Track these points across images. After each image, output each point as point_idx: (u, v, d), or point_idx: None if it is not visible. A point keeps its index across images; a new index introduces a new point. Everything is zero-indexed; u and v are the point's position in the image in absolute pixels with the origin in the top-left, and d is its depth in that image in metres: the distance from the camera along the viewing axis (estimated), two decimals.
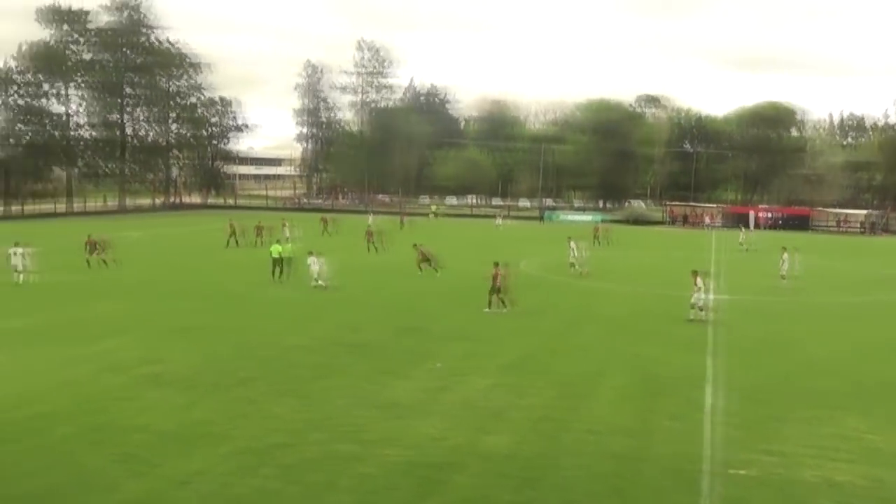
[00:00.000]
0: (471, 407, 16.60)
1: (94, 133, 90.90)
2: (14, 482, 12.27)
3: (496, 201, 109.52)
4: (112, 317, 25.91)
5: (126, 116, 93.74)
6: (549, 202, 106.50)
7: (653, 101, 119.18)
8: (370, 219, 62.35)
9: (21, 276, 32.33)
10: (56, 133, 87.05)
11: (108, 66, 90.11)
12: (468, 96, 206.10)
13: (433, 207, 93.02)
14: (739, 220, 76.86)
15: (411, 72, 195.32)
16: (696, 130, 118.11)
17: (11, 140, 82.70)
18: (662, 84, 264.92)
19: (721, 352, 22.50)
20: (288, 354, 20.91)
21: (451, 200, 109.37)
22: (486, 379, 18.87)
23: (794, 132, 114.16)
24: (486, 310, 27.48)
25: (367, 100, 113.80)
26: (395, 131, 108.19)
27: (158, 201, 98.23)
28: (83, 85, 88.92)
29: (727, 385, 18.80)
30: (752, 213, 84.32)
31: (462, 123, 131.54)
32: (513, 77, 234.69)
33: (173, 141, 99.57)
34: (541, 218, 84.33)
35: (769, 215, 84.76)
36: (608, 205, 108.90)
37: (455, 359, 20.81)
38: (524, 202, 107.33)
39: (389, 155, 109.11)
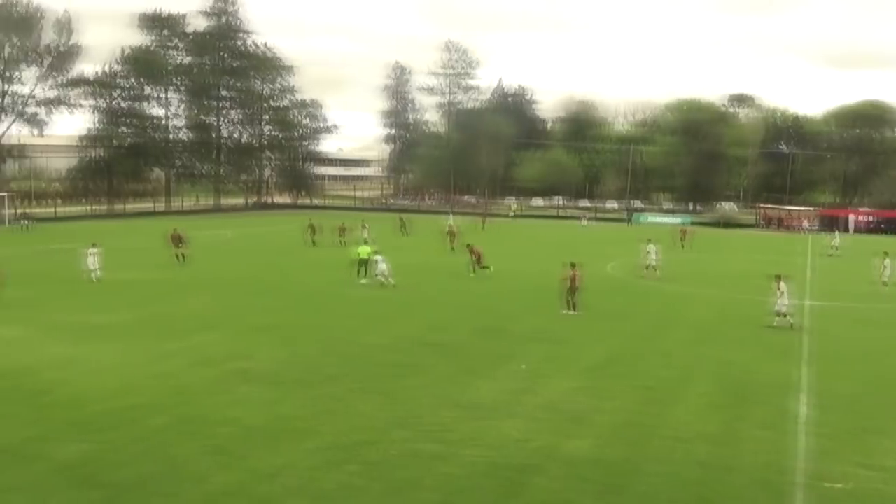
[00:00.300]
0: (553, 409, 16.43)
1: (190, 135, 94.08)
2: (110, 470, 12.75)
3: (582, 203, 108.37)
4: (203, 313, 26.71)
5: (220, 118, 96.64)
6: (636, 204, 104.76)
7: (744, 100, 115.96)
8: (450, 219, 62.05)
9: (94, 274, 33.43)
10: (155, 135, 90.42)
11: (204, 70, 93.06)
12: (554, 97, 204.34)
13: (512, 207, 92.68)
14: (835, 224, 73.96)
15: (497, 72, 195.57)
16: (791, 131, 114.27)
17: (114, 141, 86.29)
18: (754, 83, 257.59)
19: (814, 359, 21.65)
20: (371, 353, 21.13)
21: (537, 202, 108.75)
22: (569, 382, 18.65)
23: None
24: (564, 311, 27.19)
25: (453, 101, 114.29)
26: (480, 132, 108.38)
27: (250, 201, 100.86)
28: (181, 88, 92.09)
29: (820, 394, 18.07)
30: (851, 217, 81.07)
31: (548, 124, 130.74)
32: (599, 77, 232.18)
33: (265, 142, 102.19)
34: (628, 220, 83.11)
35: (868, 218, 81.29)
36: (697, 207, 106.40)
37: (537, 360, 20.65)
38: (611, 204, 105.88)
39: (475, 156, 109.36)
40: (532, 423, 15.46)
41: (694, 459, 13.79)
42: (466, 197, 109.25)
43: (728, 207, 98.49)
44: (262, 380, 18.16)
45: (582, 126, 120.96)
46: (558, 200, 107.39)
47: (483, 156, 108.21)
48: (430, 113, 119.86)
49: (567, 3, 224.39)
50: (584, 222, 73.94)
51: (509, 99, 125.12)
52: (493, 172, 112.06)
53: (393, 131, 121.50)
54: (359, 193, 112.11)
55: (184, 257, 39.32)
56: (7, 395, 16.68)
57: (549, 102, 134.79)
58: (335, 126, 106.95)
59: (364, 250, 35.49)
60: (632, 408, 16.74)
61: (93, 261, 33.77)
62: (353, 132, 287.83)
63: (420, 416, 15.77)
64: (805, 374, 19.94)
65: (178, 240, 40.10)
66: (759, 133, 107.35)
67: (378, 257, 33.30)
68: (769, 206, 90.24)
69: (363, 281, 33.17)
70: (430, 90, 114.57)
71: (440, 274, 37.42)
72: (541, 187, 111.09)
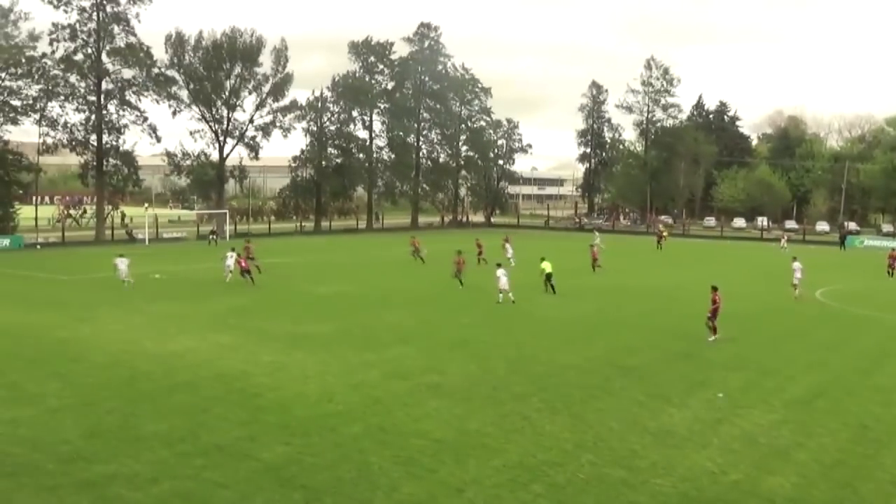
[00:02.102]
0: (752, 442, 15.53)
1: (391, 155, 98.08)
2: (310, 473, 13.48)
3: (789, 224, 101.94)
4: (399, 326, 27.68)
5: (420, 139, 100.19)
6: (851, 226, 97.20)
7: None
8: (596, 237, 59.50)
9: (126, 283, 37.01)
10: (360, 156, 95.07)
11: (406, 93, 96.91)
12: (759, 112, 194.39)
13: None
14: None
15: (698, 88, 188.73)
16: None
17: (322, 162, 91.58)
18: None
19: None
20: (560, 373, 20.97)
21: (739, 222, 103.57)
22: (770, 414, 17.56)
23: None
24: (710, 338, 25.59)
25: (651, 118, 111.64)
26: (678, 150, 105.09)
27: (446, 219, 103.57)
28: (384, 111, 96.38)
29: None
30: None
31: (752, 141, 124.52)
32: (810, 90, 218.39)
33: (462, 162, 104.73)
34: (841, 243, 77.21)
35: None
36: None
37: (735, 389, 19.61)
38: (821, 226, 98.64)
39: (673, 175, 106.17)
40: (728, 456, 14.69)
41: None
42: (663, 217, 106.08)
43: None
44: (453, 394, 18.51)
45: (790, 143, 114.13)
46: (762, 222, 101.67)
47: (681, 174, 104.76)
48: (627, 131, 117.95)
49: (778, 14, 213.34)
50: (784, 244, 69.36)
51: (710, 115, 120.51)
52: (693, 192, 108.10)
53: (588, 150, 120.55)
54: (553, 213, 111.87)
55: (422, 260, 47.84)
56: (223, 397, 18.09)
57: (754, 118, 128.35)
58: (530, 146, 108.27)
59: (548, 265, 36.46)
60: (841, 446, 15.50)
61: (124, 268, 37.54)
62: (549, 151, 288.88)
63: (608, 440, 15.45)
64: None
65: (417, 248, 48.77)
66: None
67: (500, 271, 33.85)
68: None
69: (499, 298, 33.27)
70: (628, 108, 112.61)
71: (625, 295, 36.56)
72: (743, 208, 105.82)
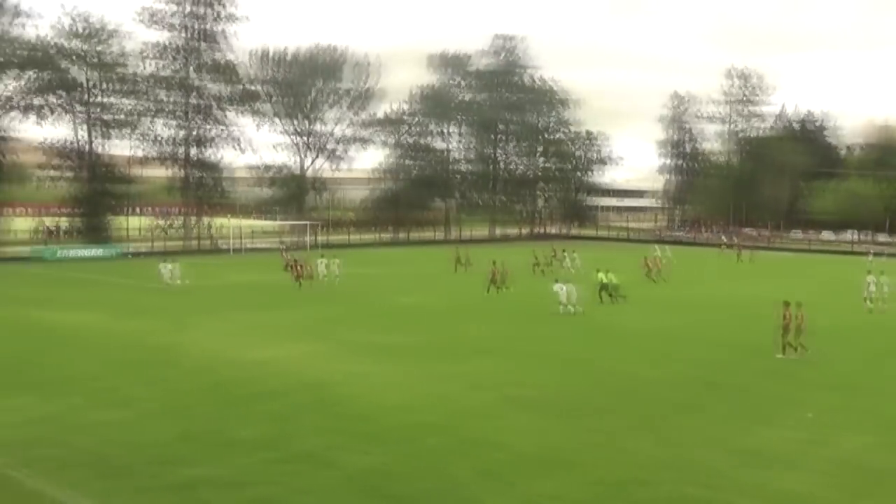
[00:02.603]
0: (846, 465, 15.06)
1: (469, 167, 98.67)
2: (393, 483, 13.70)
3: (881, 238, 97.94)
4: (480, 338, 27.83)
5: (499, 151, 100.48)
6: None
7: None
8: (656, 250, 59.25)
9: (170, 283, 41.72)
10: (439, 168, 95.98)
11: (484, 106, 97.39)
12: (851, 122, 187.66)
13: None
14: None
15: (784, 97, 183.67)
16: None
17: (402, 174, 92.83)
18: None
19: None
20: (643, 387, 20.73)
21: (827, 235, 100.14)
22: (864, 436, 16.98)
23: None
24: (779, 355, 24.62)
25: (735, 129, 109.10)
26: (765, 161, 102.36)
27: (524, 231, 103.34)
28: (462, 123, 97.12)
29: None
30: None
31: (843, 152, 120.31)
32: None
33: (540, 174, 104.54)
34: None
35: None
36: None
37: (826, 409, 19.02)
38: None
39: (758, 186, 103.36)
40: (820, 478, 14.28)
41: None
42: (747, 229, 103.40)
43: None
44: (533, 408, 18.52)
45: (885, 153, 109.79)
46: (852, 235, 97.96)
47: (768, 186, 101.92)
48: (710, 142, 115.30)
49: (869, 21, 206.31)
50: (871, 258, 66.75)
51: (797, 125, 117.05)
52: (779, 204, 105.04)
53: (670, 161, 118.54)
54: (633, 225, 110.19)
55: (544, 270, 48.71)
56: (309, 405, 18.53)
57: (847, 128, 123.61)
58: (610, 157, 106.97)
59: (604, 276, 37.37)
60: None
61: (168, 273, 42.19)
62: (632, 163, 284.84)
63: (692, 458, 15.20)
64: None
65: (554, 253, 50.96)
66: None
67: (558, 286, 34.01)
68: None
69: (560, 310, 33.43)
70: (711, 118, 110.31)
71: (708, 308, 35.84)
72: (832, 220, 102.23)
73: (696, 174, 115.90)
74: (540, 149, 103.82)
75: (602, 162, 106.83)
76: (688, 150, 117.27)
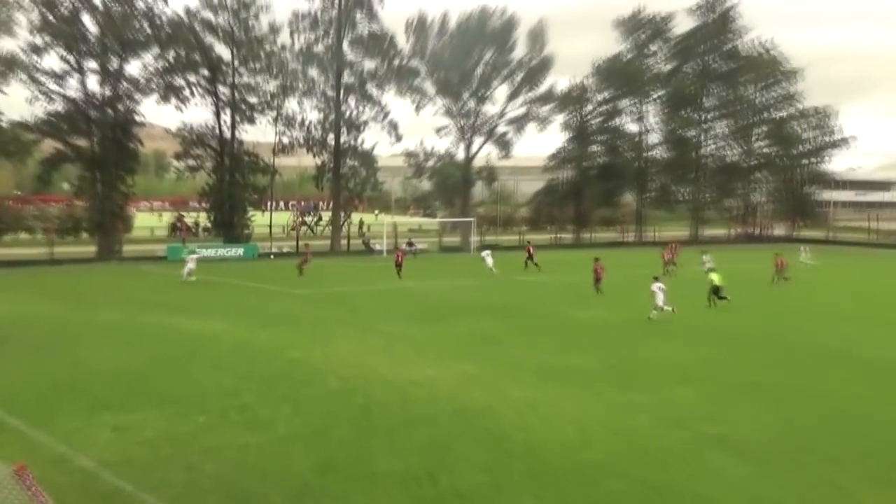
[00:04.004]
0: None
1: (665, 153, 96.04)
2: None
3: None
4: (674, 361, 27.02)
5: (702, 133, 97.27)
6: None
7: None
8: (802, 251, 63.00)
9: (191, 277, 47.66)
10: (629, 155, 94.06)
11: (686, 78, 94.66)
12: None
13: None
14: None
15: None
16: None
17: (584, 162, 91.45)
18: None
19: None
20: (890, 432, 19.36)
21: None
22: None
23: None
24: None
25: None
26: None
27: (734, 231, 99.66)
28: (658, 100, 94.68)
29: None
30: None
31: None
32: None
33: (754, 161, 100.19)
34: None
35: None
36: None
37: None
38: None
39: None
40: None
41: None
42: None
43: None
44: (742, 451, 17.69)
45: None
46: None
47: None
48: None
49: None
50: None
51: None
52: None
53: None
54: (877, 224, 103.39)
55: (786, 279, 49.41)
56: (465, 435, 18.56)
57: None
58: (846, 139, 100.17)
59: (716, 277, 40.20)
60: None
61: (191, 267, 48.03)
62: (875, 146, 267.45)
63: None
64: None
65: (781, 266, 49.79)
66: None
67: (656, 285, 35.54)
68: None
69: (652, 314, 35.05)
70: None
71: None
72: None
73: None
74: (757, 131, 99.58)
75: (835, 146, 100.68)
76: None
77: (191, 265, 48.26)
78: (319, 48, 73.79)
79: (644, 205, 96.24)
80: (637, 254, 73.26)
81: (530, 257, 56.29)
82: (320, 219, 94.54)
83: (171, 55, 67.57)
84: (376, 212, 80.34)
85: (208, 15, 68.80)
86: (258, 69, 71.43)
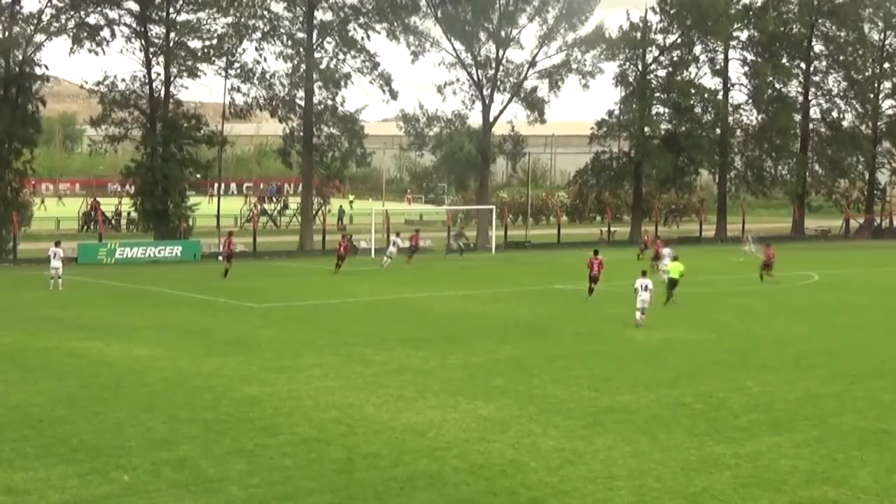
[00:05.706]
0: None
1: (757, 117, 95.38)
2: None
3: None
4: (767, 400, 27.00)
5: (808, 89, 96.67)
6: None
7: None
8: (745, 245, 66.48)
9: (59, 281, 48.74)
10: (707, 119, 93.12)
11: (784, 14, 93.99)
12: None
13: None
14: None
15: None
16: None
17: (646, 129, 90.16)
18: None
19: None
20: None
21: None
22: None
23: None
24: None
25: None
26: None
27: (855, 222, 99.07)
28: (746, 44, 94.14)
29: None
30: None
31: None
32: None
33: (881, 127, 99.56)
34: None
35: None
36: None
37: None
38: None
39: None
40: None
41: None
42: None
43: None
44: None
45: None
46: None
47: None
48: None
49: None
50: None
51: None
52: None
53: None
54: None
55: None
56: (483, 501, 18.52)
57: None
58: None
59: (676, 269, 44.30)
60: None
61: (57, 265, 49.08)
62: None
63: None
64: None
65: None
66: None
67: (642, 282, 38.49)
68: None
69: None
70: None
71: None
72: None
73: None
74: (886, 86, 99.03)
75: None
76: None
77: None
78: None
79: (729, 187, 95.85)
80: (717, 253, 73.19)
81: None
82: (286, 206, 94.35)
83: None
84: (351, 198, 79.72)
85: None
86: (203, 2, 70.83)
